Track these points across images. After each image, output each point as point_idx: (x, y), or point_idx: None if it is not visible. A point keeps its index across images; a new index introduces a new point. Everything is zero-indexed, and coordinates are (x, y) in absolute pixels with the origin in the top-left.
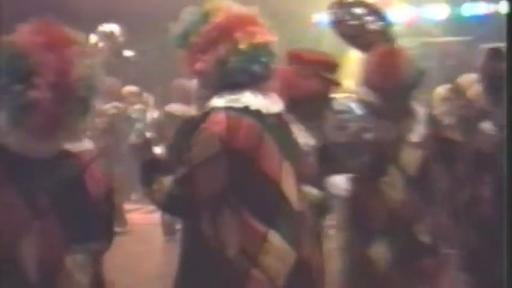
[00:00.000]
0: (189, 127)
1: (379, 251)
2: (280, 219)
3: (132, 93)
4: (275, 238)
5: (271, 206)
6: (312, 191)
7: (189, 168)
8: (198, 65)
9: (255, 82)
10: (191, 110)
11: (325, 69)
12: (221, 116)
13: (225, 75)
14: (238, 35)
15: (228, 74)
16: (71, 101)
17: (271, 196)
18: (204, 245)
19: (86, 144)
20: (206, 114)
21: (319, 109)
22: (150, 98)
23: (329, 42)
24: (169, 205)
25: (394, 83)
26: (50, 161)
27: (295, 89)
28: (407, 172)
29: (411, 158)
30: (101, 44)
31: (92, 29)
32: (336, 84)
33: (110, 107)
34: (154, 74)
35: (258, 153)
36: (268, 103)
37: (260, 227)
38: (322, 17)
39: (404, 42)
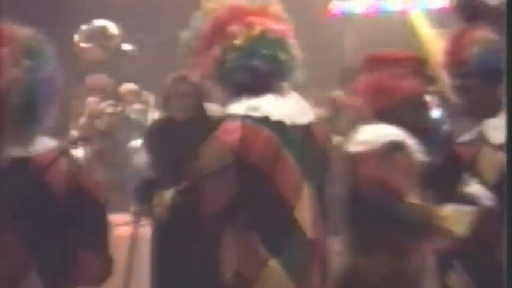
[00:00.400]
0: (193, 130)
1: (457, 279)
2: (287, 247)
3: (130, 92)
4: (276, 267)
5: (279, 231)
6: (458, 208)
7: (195, 178)
8: (199, 70)
9: (261, 79)
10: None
11: (419, 65)
12: (236, 125)
13: (225, 77)
14: (232, 28)
15: (227, 74)
16: (4, 109)
17: (281, 219)
18: (202, 264)
19: (44, 144)
20: (221, 120)
21: (419, 111)
22: (150, 97)
23: (350, 33)
24: (169, 216)
25: (461, 67)
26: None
27: (393, 93)
28: (486, 180)
29: (491, 162)
30: (85, 45)
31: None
32: (432, 79)
33: (106, 105)
34: (155, 70)
35: (274, 170)
36: (295, 113)
37: (262, 251)
38: (341, 6)
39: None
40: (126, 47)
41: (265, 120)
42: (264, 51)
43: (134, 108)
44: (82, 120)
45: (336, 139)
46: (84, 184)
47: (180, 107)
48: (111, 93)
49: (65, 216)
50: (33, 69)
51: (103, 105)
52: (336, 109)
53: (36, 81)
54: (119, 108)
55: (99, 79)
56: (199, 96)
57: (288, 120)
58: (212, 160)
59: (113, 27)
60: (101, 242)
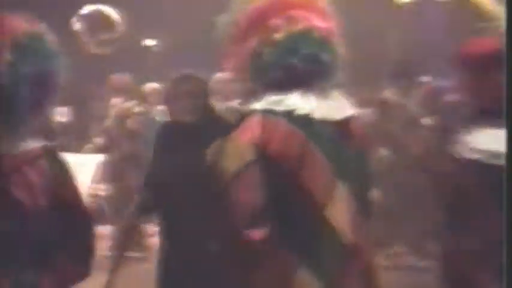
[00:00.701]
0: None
1: None
2: (318, 253)
3: (154, 91)
4: (306, 276)
5: (308, 234)
6: None
7: (221, 183)
8: (232, 61)
9: (298, 79)
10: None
11: None
12: (256, 120)
13: (260, 72)
14: (274, 22)
15: (262, 69)
16: None
17: (310, 221)
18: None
19: (25, 145)
20: (242, 117)
21: None
22: None
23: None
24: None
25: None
26: None
27: None
28: None
29: None
30: (86, 37)
31: None
32: None
33: (132, 104)
34: (180, 67)
35: (299, 165)
36: (326, 107)
37: (289, 258)
38: None
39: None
40: (149, 42)
41: (288, 114)
42: (305, 51)
43: (158, 109)
44: (108, 122)
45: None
46: (66, 189)
47: (186, 108)
48: (135, 93)
49: (40, 220)
50: (17, 65)
51: (129, 104)
52: (386, 111)
53: (19, 78)
54: (144, 109)
55: (123, 78)
56: (206, 96)
57: (316, 115)
58: (235, 159)
59: (113, 13)
60: (83, 252)
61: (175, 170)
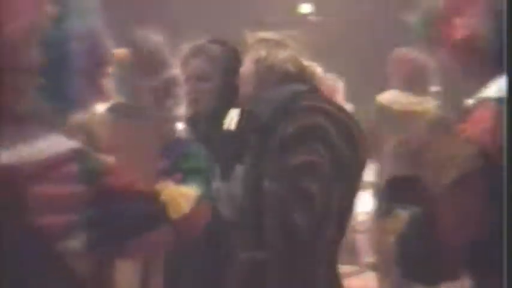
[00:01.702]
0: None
1: None
2: None
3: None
4: None
5: None
6: None
7: (432, 192)
8: (459, 33)
9: None
10: (424, 102)
11: None
12: (487, 112)
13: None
14: None
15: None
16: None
17: None
18: None
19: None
20: (466, 110)
21: None
22: (338, 82)
23: None
24: (403, 261)
25: None
26: None
27: None
28: None
29: None
30: None
31: None
32: None
33: None
34: (345, 43)
35: None
36: None
37: None
38: None
39: None
40: (305, 9)
41: None
42: None
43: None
44: None
45: None
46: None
47: (191, 96)
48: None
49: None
50: (62, 20)
51: None
52: None
53: (68, 38)
54: None
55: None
56: (223, 78)
57: None
58: (454, 164)
59: None
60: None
61: None
